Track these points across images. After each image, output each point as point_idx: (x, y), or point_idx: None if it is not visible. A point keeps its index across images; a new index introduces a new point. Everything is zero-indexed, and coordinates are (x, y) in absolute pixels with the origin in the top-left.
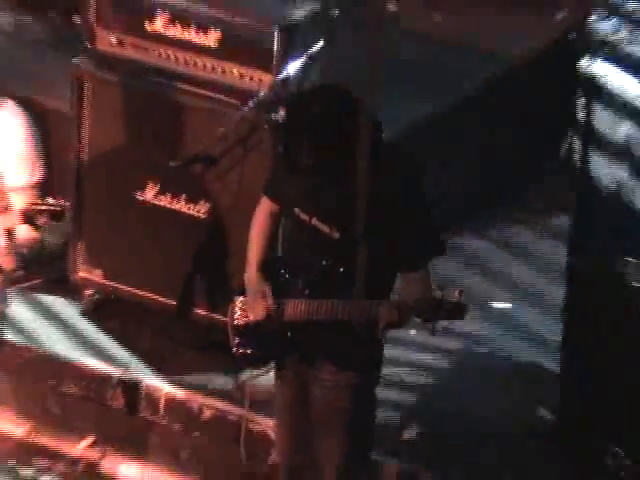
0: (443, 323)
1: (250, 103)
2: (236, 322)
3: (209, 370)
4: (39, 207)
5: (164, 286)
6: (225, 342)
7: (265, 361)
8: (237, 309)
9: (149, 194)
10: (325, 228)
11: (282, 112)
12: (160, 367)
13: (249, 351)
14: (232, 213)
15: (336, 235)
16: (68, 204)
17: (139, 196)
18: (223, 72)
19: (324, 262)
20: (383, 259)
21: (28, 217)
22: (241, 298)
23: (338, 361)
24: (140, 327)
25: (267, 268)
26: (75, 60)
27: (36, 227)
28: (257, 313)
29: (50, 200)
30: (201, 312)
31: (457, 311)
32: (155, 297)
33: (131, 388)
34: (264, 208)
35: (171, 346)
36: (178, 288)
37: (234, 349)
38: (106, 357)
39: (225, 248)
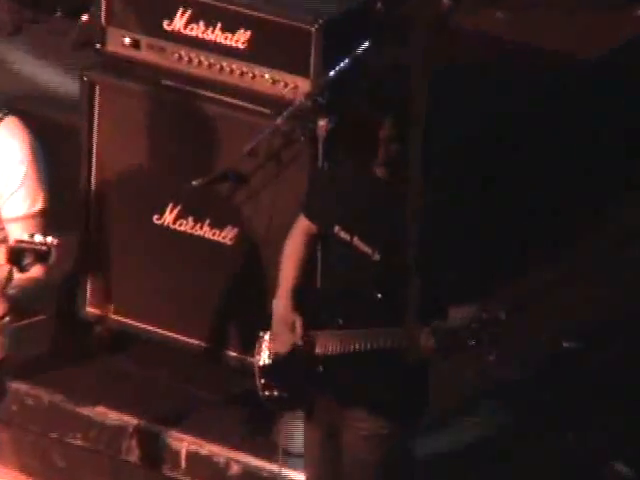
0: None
1: (284, 112)
2: (262, 362)
3: (238, 420)
4: (23, 245)
5: (186, 323)
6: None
7: (295, 404)
8: (263, 346)
9: (168, 218)
10: (366, 249)
11: (322, 122)
12: (183, 416)
13: (276, 393)
14: (264, 239)
15: (377, 257)
16: (57, 242)
17: (157, 220)
18: (253, 77)
19: (360, 288)
20: (428, 286)
21: (14, 255)
22: (267, 333)
23: (374, 403)
24: (159, 369)
25: (299, 297)
26: (84, 65)
27: (21, 268)
28: (284, 345)
29: (37, 237)
30: (232, 354)
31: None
32: (176, 336)
33: (149, 439)
34: (301, 229)
35: (195, 392)
36: (203, 325)
37: (260, 392)
38: (120, 403)
39: (257, 280)
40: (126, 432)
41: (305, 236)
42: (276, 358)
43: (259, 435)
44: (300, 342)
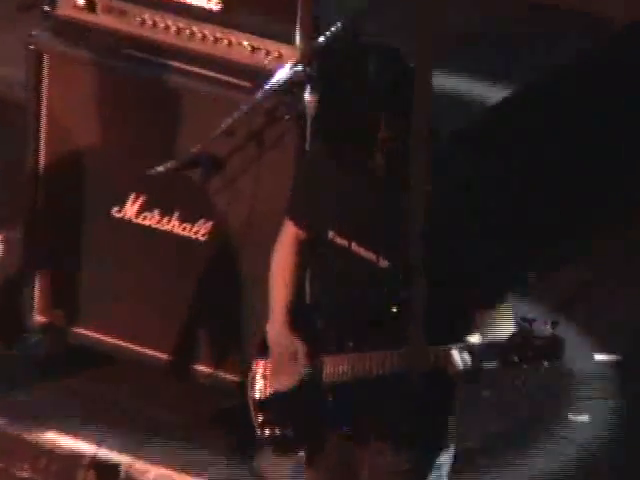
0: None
1: (266, 86)
2: (258, 395)
3: (211, 445)
4: None
5: (150, 334)
6: (234, 410)
7: (301, 442)
8: (259, 377)
9: (130, 210)
10: (370, 255)
11: (310, 97)
12: (147, 442)
13: (278, 431)
14: (243, 235)
15: (384, 264)
16: None
17: (117, 213)
18: (229, 45)
19: (371, 302)
20: (448, 293)
21: None
22: (263, 362)
23: (394, 435)
24: (119, 388)
25: (298, 317)
26: (30, 31)
27: None
28: (287, 380)
29: None
30: (203, 369)
31: (552, 349)
32: (139, 348)
33: (108, 470)
34: (288, 237)
35: (161, 414)
36: (170, 336)
37: (258, 430)
38: (74, 428)
39: (234, 282)
40: (81, 462)
41: (295, 244)
42: (277, 391)
43: (236, 463)
44: (305, 372)
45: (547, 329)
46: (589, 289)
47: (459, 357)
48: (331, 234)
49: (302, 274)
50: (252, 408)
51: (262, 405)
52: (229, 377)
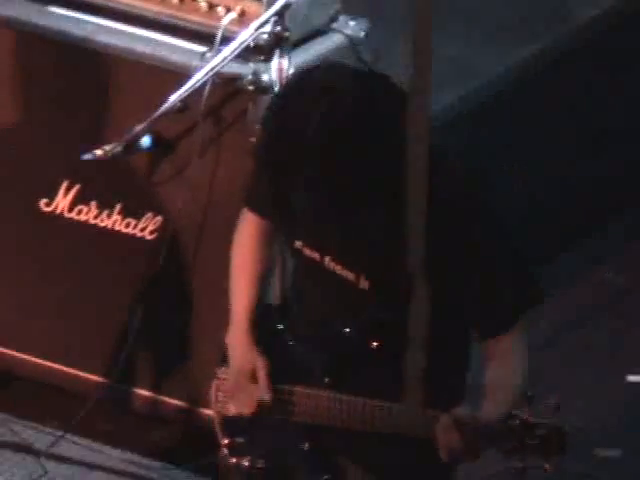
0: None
1: (225, 53)
2: (222, 409)
3: None
4: None
5: (82, 352)
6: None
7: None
8: (221, 388)
9: (62, 203)
10: (347, 274)
11: (279, 64)
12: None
13: (246, 462)
14: (198, 232)
15: (365, 285)
16: None
17: (45, 206)
18: (181, 1)
19: (348, 330)
20: (442, 321)
21: None
22: (224, 369)
23: None
24: (44, 418)
25: (262, 323)
26: None
27: None
28: (243, 404)
29: None
30: (143, 393)
31: (553, 443)
32: (70, 370)
33: None
34: (249, 227)
35: (99, 449)
36: (105, 356)
37: (224, 454)
38: None
39: (186, 288)
40: None
41: (257, 235)
42: (240, 414)
43: None
44: (267, 398)
45: (549, 409)
46: None
47: (445, 428)
48: (298, 244)
49: (265, 271)
50: (217, 425)
51: (227, 424)
52: (175, 402)
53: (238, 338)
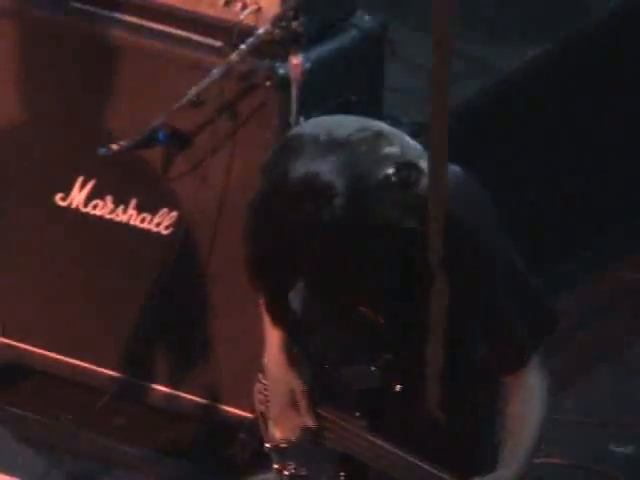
0: None
1: (242, 46)
2: (269, 443)
3: None
4: None
5: (99, 347)
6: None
7: None
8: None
9: (78, 198)
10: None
11: (296, 60)
12: (96, 478)
13: (293, 469)
14: (213, 228)
15: (380, 320)
16: None
17: (61, 201)
18: None
19: (374, 369)
20: (461, 361)
21: None
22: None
23: None
24: (60, 412)
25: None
26: None
27: None
28: (284, 430)
29: None
30: (161, 389)
31: None
32: (86, 365)
33: None
34: (280, 343)
35: (111, 444)
36: (122, 350)
37: (276, 466)
38: (6, 463)
39: (202, 285)
40: None
41: (287, 351)
42: (286, 439)
43: None
44: (311, 424)
45: None
46: None
47: None
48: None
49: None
50: (261, 425)
51: (277, 452)
52: (194, 398)
53: (276, 366)
